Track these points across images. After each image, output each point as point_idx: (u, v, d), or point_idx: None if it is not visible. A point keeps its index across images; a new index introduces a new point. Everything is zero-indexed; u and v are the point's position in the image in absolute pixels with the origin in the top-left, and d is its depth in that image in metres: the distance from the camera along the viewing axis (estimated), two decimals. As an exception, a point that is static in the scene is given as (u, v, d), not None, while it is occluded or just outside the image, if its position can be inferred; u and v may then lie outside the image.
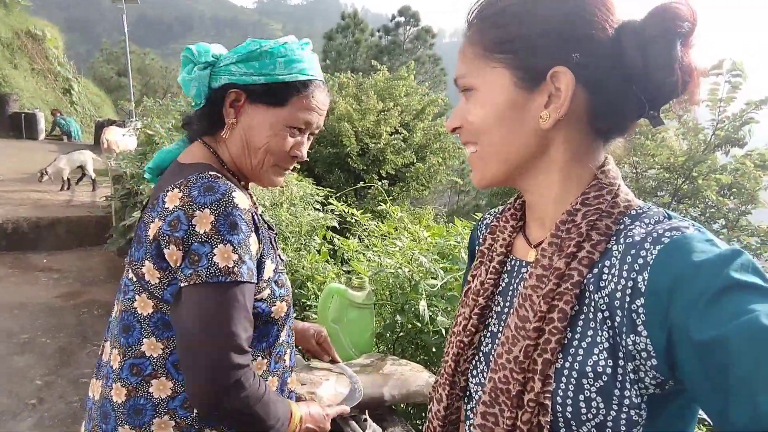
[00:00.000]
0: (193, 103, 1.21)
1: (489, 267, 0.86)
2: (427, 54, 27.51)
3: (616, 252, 0.68)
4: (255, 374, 1.09)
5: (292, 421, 1.17)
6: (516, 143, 0.75)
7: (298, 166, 5.59)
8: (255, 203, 1.31)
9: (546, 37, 0.70)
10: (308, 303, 2.67)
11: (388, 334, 2.19)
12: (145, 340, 1.11)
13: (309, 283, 2.79)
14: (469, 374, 0.85)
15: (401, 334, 2.18)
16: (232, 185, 1.09)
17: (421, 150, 10.70)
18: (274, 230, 1.33)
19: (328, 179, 9.94)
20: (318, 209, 3.75)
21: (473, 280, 0.89)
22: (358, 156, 10.01)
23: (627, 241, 0.68)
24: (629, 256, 0.65)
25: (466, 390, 0.86)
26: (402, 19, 27.96)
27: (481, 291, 0.85)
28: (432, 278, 2.18)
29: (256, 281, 1.08)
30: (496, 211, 0.97)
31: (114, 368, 1.14)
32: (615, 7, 0.70)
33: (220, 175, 1.10)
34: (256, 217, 1.12)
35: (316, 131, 1.26)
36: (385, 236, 2.81)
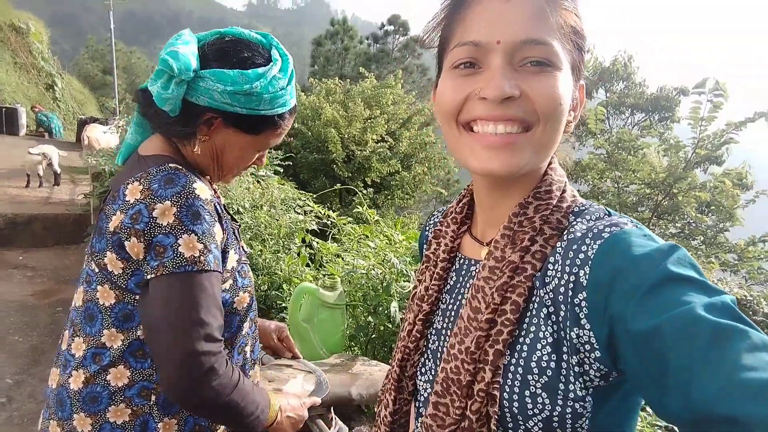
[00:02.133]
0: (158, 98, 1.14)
1: (434, 273, 0.86)
2: (415, 63, 27.61)
3: (560, 248, 0.69)
4: (228, 362, 1.09)
5: (272, 409, 1.18)
6: (559, 138, 0.73)
7: (281, 170, 5.57)
8: (217, 194, 1.30)
9: (585, 52, 0.74)
10: (285, 305, 2.66)
11: (360, 336, 2.18)
12: (105, 331, 1.11)
13: (286, 286, 2.78)
14: (418, 373, 0.85)
15: (373, 335, 2.18)
16: (193, 176, 1.09)
17: (406, 159, 10.74)
18: (237, 222, 1.33)
19: (313, 185, 9.92)
20: (299, 213, 3.75)
21: (419, 285, 0.88)
22: (343, 163, 10.00)
23: (569, 237, 0.69)
24: (571, 252, 0.66)
25: (414, 393, 0.86)
26: (391, 27, 28.06)
27: (426, 297, 0.85)
28: (404, 280, 2.18)
29: (221, 270, 1.09)
30: (444, 209, 0.97)
31: (76, 356, 1.14)
32: None
33: (180, 167, 1.10)
34: (218, 207, 1.12)
35: None
36: (362, 239, 2.82)
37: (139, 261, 1.04)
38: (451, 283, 0.85)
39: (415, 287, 0.91)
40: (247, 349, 1.29)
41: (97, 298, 1.11)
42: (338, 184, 9.96)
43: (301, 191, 4.47)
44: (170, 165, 1.09)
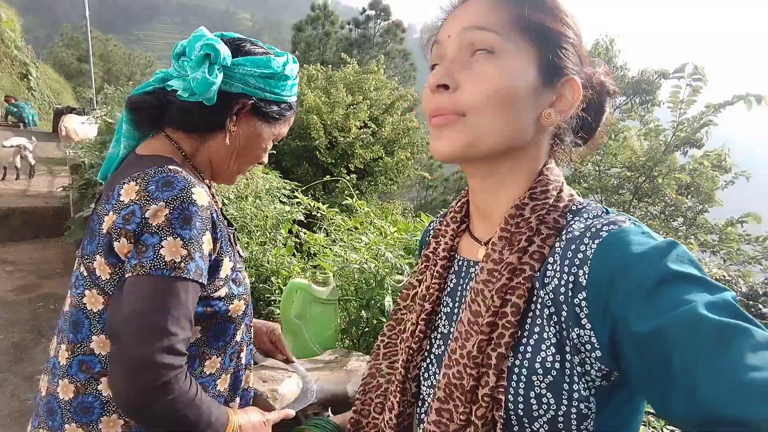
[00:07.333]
0: (181, 94, 1.11)
1: (434, 271, 0.86)
2: (397, 48, 27.46)
3: (558, 248, 0.70)
4: (187, 376, 1.01)
5: (229, 428, 1.11)
6: (518, 127, 0.73)
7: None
8: (215, 198, 1.27)
9: (572, 48, 0.75)
10: (273, 298, 2.64)
11: (353, 330, 2.17)
12: (94, 337, 1.07)
13: (273, 278, 2.75)
14: (421, 377, 0.85)
15: (366, 329, 2.17)
16: (193, 180, 1.05)
17: (389, 144, 10.68)
18: (233, 227, 1.30)
19: (296, 172, 9.83)
20: (284, 202, 3.71)
21: (419, 285, 0.89)
22: (326, 149, 9.92)
23: (567, 236, 0.69)
24: (569, 252, 0.67)
25: (418, 395, 0.85)
26: (372, 12, 27.83)
27: (427, 296, 0.85)
28: (398, 274, 2.16)
29: (203, 282, 1.03)
30: (445, 212, 0.97)
31: (62, 364, 1.09)
32: None
33: (180, 169, 1.06)
34: (214, 214, 1.08)
35: None
36: (352, 231, 2.80)
37: (125, 262, 1.00)
38: (451, 285, 0.85)
39: (413, 287, 0.92)
40: (242, 355, 1.26)
41: (84, 303, 1.07)
42: (321, 171, 9.93)
43: (285, 180, 4.42)
44: (170, 167, 1.05)
